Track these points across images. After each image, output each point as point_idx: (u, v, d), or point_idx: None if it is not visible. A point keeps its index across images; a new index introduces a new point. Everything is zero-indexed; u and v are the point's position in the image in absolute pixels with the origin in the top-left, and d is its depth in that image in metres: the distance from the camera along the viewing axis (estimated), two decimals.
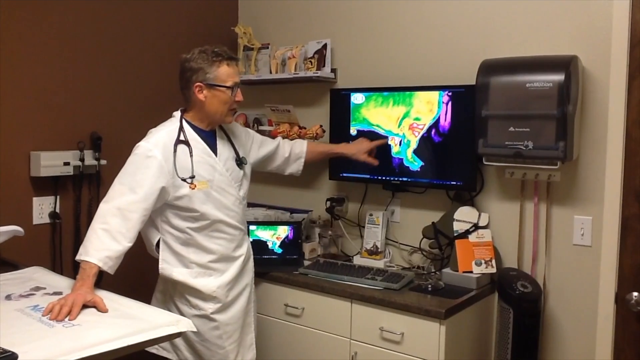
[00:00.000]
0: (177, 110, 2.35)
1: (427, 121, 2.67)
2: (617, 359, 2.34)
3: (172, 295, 2.29)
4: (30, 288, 1.98)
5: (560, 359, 2.47)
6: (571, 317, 2.44)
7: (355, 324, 2.44)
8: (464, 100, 2.55)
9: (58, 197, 2.63)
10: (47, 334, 1.58)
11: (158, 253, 2.27)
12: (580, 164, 2.39)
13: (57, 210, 2.62)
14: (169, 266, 2.25)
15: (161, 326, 1.66)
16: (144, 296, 2.27)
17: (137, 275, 2.96)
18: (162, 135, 2.20)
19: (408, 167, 2.74)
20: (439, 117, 2.64)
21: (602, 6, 2.31)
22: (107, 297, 1.86)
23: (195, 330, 1.77)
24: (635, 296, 2.28)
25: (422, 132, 2.68)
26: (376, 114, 2.81)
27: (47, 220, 2.60)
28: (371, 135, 2.83)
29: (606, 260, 2.33)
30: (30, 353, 1.42)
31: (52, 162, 2.55)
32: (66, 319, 1.68)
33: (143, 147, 2.15)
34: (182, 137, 2.22)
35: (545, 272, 2.49)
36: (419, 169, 2.71)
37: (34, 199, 2.56)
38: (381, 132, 2.80)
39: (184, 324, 1.70)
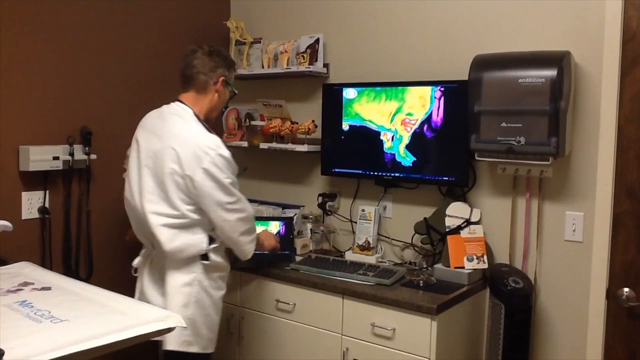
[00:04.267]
0: (169, 100, 2.33)
1: (419, 116, 2.66)
2: (608, 354, 2.34)
3: (201, 282, 2.24)
4: (18, 283, 1.94)
5: (551, 355, 2.47)
6: (562, 312, 2.44)
7: (346, 319, 2.44)
8: (457, 95, 2.54)
9: (47, 192, 2.60)
10: (35, 330, 1.55)
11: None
12: (572, 160, 2.39)
13: (47, 205, 2.60)
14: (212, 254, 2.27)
15: (151, 322, 1.64)
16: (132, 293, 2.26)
17: (126, 274, 2.95)
18: (213, 134, 2.22)
19: (400, 162, 2.73)
20: (431, 113, 2.63)
21: (594, 1, 2.31)
22: (96, 293, 1.84)
23: (184, 326, 1.75)
24: (626, 292, 2.29)
25: (414, 128, 2.67)
26: (368, 109, 2.80)
27: (36, 215, 2.57)
28: (364, 130, 2.82)
29: (597, 256, 2.34)
30: (18, 349, 1.40)
31: (41, 157, 2.52)
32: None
33: (226, 150, 2.18)
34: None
35: (536, 268, 2.49)
36: (411, 165, 2.70)
37: (23, 193, 2.53)
38: (373, 127, 2.79)
39: (173, 320, 1.68)
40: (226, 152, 2.17)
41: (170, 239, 2.13)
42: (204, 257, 2.22)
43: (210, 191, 2.12)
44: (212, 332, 2.30)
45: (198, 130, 2.19)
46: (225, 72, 2.31)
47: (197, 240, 2.19)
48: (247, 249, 2.32)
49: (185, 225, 2.16)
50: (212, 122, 2.33)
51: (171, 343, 2.17)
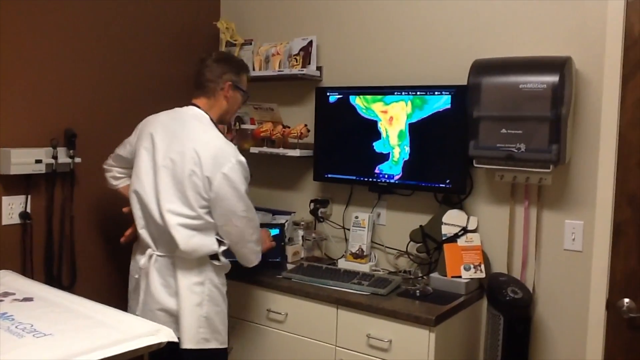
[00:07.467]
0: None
1: (415, 122, 2.60)
2: None
3: (212, 280, 2.27)
4: None
5: None
6: (561, 323, 2.39)
7: (341, 330, 2.36)
8: (455, 100, 2.48)
9: (29, 196, 2.49)
10: (17, 345, 1.47)
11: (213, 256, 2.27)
12: (572, 167, 2.35)
13: (28, 210, 2.49)
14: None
15: (140, 336, 1.57)
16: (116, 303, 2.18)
17: (112, 282, 2.85)
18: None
19: (395, 168, 2.66)
20: (428, 118, 2.57)
21: (596, 7, 2.27)
22: (80, 304, 1.76)
23: (176, 340, 1.67)
24: (627, 303, 2.25)
25: (410, 133, 2.61)
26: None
27: (17, 220, 2.47)
28: (361, 120, 2.75)
29: (597, 265, 2.29)
30: None
31: (23, 160, 2.41)
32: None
33: (243, 158, 2.24)
34: None
35: (535, 278, 2.44)
36: (406, 171, 2.64)
37: (4, 198, 2.42)
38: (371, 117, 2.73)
39: (164, 334, 1.60)
40: (244, 160, 2.24)
41: (186, 239, 2.16)
42: (213, 257, 2.25)
43: (226, 196, 2.17)
44: (226, 326, 2.34)
45: (217, 135, 2.26)
46: (232, 77, 2.36)
47: (209, 241, 2.22)
48: (252, 258, 2.34)
49: (200, 227, 2.20)
50: (228, 124, 2.44)
51: (189, 341, 2.18)
